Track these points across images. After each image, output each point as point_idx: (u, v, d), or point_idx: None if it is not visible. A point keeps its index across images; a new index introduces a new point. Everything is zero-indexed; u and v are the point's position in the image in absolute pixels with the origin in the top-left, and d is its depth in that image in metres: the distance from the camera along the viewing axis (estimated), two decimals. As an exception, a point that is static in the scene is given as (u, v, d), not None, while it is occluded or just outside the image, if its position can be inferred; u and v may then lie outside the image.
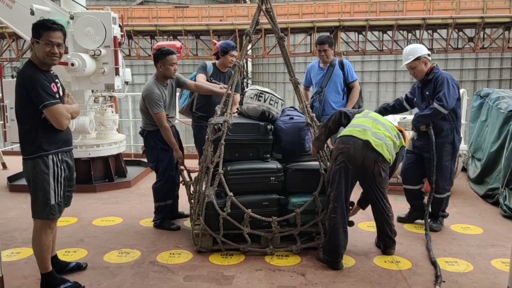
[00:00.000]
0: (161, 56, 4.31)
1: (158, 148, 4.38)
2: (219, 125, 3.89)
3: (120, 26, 5.99)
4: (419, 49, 4.20)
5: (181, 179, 4.46)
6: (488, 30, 22.91)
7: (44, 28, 2.94)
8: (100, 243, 4.13)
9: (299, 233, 3.87)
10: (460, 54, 26.00)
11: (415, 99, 4.40)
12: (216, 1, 32.79)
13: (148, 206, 4.94)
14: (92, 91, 6.34)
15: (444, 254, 3.80)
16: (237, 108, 4.44)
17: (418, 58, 4.15)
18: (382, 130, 3.62)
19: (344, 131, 3.70)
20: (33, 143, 2.97)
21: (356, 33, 23.36)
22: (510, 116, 5.07)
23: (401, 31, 22.84)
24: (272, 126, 4.00)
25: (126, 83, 6.39)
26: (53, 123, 2.96)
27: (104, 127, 6.39)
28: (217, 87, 4.68)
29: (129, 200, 5.60)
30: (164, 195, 4.46)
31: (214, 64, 5.04)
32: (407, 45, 23.07)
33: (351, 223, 3.90)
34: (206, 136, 4.01)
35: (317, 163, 3.98)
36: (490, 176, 5.40)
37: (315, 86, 5.37)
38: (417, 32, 22.61)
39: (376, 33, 23.40)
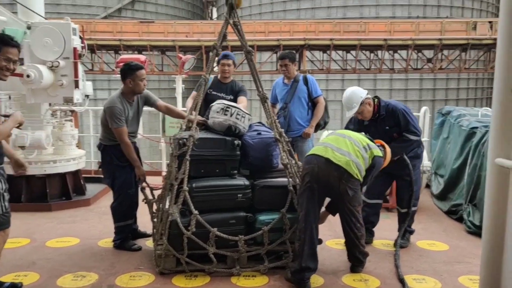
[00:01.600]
0: (130, 71, 4.13)
1: (114, 164, 4.17)
2: (184, 140, 3.75)
3: (80, 37, 5.78)
4: (358, 93, 4.14)
5: (143, 197, 4.25)
6: (446, 52, 23.89)
7: (4, 43, 2.89)
8: (54, 266, 3.85)
9: (267, 252, 3.74)
10: (419, 74, 26.97)
11: (366, 134, 4.37)
12: (182, 17, 32.81)
13: (108, 225, 4.68)
14: (50, 104, 6.04)
15: (411, 271, 3.76)
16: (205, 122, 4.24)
17: (362, 103, 4.12)
18: (348, 145, 3.55)
19: (309, 151, 3.66)
20: None
21: (321, 52, 23.83)
22: (472, 133, 5.18)
23: (363, 51, 23.44)
24: (240, 142, 3.89)
25: (87, 96, 6.16)
26: None
27: (62, 142, 6.08)
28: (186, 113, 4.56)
29: (87, 219, 5.31)
30: (123, 214, 4.24)
31: (216, 77, 5.00)
32: (369, 65, 23.85)
33: (320, 241, 3.81)
34: (170, 152, 3.86)
35: (285, 179, 3.89)
36: (453, 192, 5.48)
37: (280, 102, 5.32)
38: (379, 52, 23.27)
39: (340, 52, 23.94)
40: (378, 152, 3.66)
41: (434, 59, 23.59)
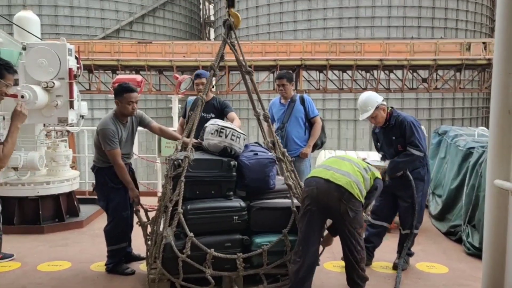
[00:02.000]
0: (119, 92, 4.10)
1: (108, 186, 4.11)
2: (179, 161, 3.69)
3: (76, 58, 5.77)
4: (374, 98, 4.20)
5: (137, 219, 4.17)
6: (440, 72, 24.12)
7: (9, 71, 3.05)
8: (45, 291, 3.76)
9: (264, 275, 3.66)
10: (415, 93, 27.18)
11: (379, 143, 4.39)
12: (179, 38, 33.12)
13: (101, 248, 4.58)
14: (44, 125, 6.00)
15: (412, 296, 3.68)
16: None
17: (376, 107, 4.15)
18: (348, 166, 3.51)
19: (309, 173, 3.61)
20: None
21: (317, 72, 24.02)
22: (469, 153, 5.15)
23: (359, 71, 23.66)
24: (236, 162, 3.84)
25: (82, 117, 6.12)
26: None
27: (55, 163, 6.01)
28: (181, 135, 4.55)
29: (80, 242, 5.21)
30: (117, 237, 4.16)
31: (197, 97, 4.92)
32: (366, 84, 24.02)
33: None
34: (165, 173, 3.80)
35: (283, 200, 3.84)
36: (451, 213, 5.41)
37: (277, 122, 5.30)
38: (375, 72, 23.48)
39: (336, 72, 24.14)
40: (378, 174, 3.62)
41: (429, 79, 23.80)
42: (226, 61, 23.12)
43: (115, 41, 24.92)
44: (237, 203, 3.73)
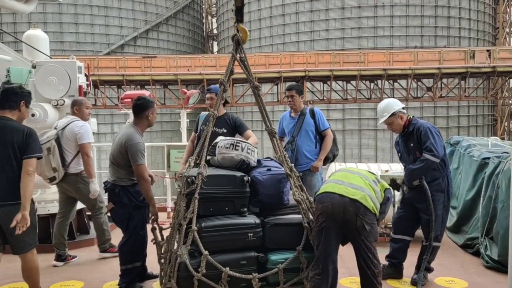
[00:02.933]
0: (150, 103, 4.15)
1: (131, 205, 4.06)
2: (193, 178, 3.65)
3: (86, 75, 5.79)
4: (393, 104, 4.21)
5: (152, 237, 4.12)
6: (445, 80, 24.09)
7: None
8: (58, 313, 3.70)
9: (281, 293, 3.58)
10: (419, 102, 27.12)
11: (400, 153, 4.35)
12: (183, 52, 33.34)
13: (113, 267, 4.54)
14: (54, 142, 5.98)
15: (433, 312, 3.59)
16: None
17: (393, 114, 4.14)
18: (359, 180, 3.47)
19: (320, 189, 3.55)
20: None
21: (321, 83, 24.05)
22: (484, 163, 5.08)
23: (363, 81, 23.66)
24: (249, 178, 3.79)
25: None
26: None
27: (66, 181, 5.98)
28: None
29: (92, 259, 5.15)
30: (133, 256, 4.10)
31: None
32: (370, 94, 24.01)
33: (335, 281, 3.68)
34: (178, 190, 3.76)
35: (296, 216, 3.77)
36: (467, 225, 5.33)
37: (288, 135, 5.26)
38: (379, 82, 23.48)
39: (340, 82, 24.16)
40: (387, 185, 3.58)
41: (433, 88, 23.77)
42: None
43: (120, 56, 25.11)
44: (252, 219, 3.67)
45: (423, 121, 4.22)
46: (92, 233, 6.05)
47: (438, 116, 29.27)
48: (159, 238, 4.12)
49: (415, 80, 23.73)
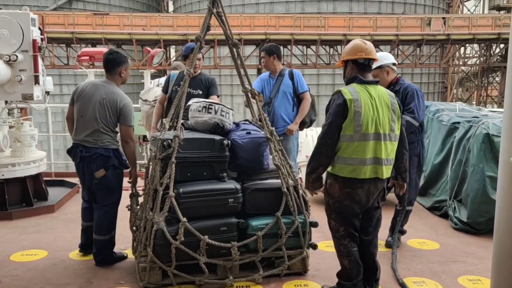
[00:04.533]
0: (123, 58, 3.83)
1: (121, 169, 3.80)
2: (169, 141, 3.42)
3: (40, 29, 5.27)
4: (383, 58, 4.09)
5: (129, 203, 3.89)
6: (401, 47, 24.49)
7: None
8: (22, 284, 3.45)
9: (260, 259, 3.51)
10: (375, 69, 27.49)
11: None
12: (136, 10, 31.71)
13: (77, 235, 4.27)
14: (6, 102, 5.49)
15: (409, 274, 3.65)
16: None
17: (380, 67, 4.02)
18: (391, 144, 2.96)
19: (347, 170, 2.92)
20: None
21: (282, 47, 23.73)
22: (453, 128, 5.16)
23: (323, 46, 23.61)
24: (229, 142, 3.61)
25: (47, 93, 5.65)
26: None
27: (20, 144, 5.55)
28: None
29: (53, 227, 4.84)
30: (113, 224, 3.84)
31: (183, 71, 4.57)
32: (329, 60, 24.06)
33: (315, 246, 3.65)
34: (153, 154, 3.52)
35: (276, 181, 3.67)
36: (434, 188, 5.45)
37: (265, 97, 5.06)
38: (339, 47, 23.51)
39: (300, 47, 23.97)
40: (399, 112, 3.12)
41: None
42: (189, 35, 22.44)
43: (69, 12, 23.49)
44: (232, 185, 3.53)
45: (412, 84, 4.15)
46: (51, 199, 5.72)
47: (393, 83, 29.92)
48: (135, 204, 3.91)
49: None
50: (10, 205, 5.21)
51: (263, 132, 3.75)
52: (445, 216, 5.03)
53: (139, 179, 4.06)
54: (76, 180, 6.04)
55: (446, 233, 4.65)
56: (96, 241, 3.78)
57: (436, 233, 4.64)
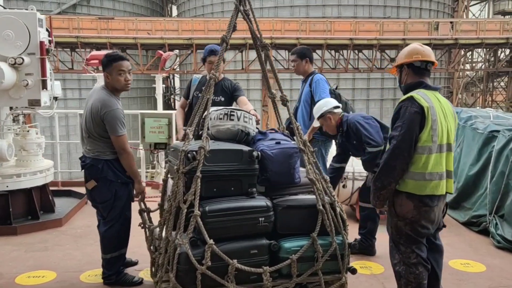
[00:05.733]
0: (107, 63, 3.42)
1: (118, 182, 3.43)
2: (194, 153, 3.07)
3: (48, 30, 4.94)
4: (322, 106, 3.96)
5: (141, 220, 3.52)
6: (409, 52, 24.16)
7: None
8: (29, 312, 3.09)
9: (295, 285, 3.14)
10: (381, 74, 27.23)
11: (350, 152, 4.08)
12: (140, 15, 31.49)
13: (88, 252, 3.95)
14: (11, 108, 5.15)
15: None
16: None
17: (321, 116, 3.88)
18: (452, 155, 2.85)
19: (426, 187, 2.70)
20: None
21: (287, 51, 23.48)
22: (491, 137, 4.80)
23: (329, 50, 23.36)
24: (259, 153, 3.25)
25: (55, 98, 5.32)
26: None
27: (26, 152, 5.21)
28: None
29: (61, 244, 4.49)
30: (119, 242, 3.50)
31: (204, 76, 4.30)
32: (335, 64, 23.77)
33: (354, 271, 3.28)
34: (175, 167, 3.17)
35: (309, 196, 3.31)
36: (469, 201, 5.08)
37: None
38: (345, 52, 23.26)
39: (306, 51, 23.66)
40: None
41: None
42: (193, 40, 22.11)
43: (74, 16, 23.23)
44: (263, 201, 3.16)
45: (350, 116, 3.94)
46: (58, 211, 5.37)
47: (398, 88, 29.59)
48: (148, 221, 3.55)
49: (380, 50, 23.65)
50: (15, 218, 4.87)
51: (293, 142, 3.41)
52: (484, 232, 4.66)
53: (150, 189, 3.72)
54: (84, 190, 5.70)
55: (489, 252, 4.28)
56: (102, 259, 3.51)
57: (477, 253, 4.26)
